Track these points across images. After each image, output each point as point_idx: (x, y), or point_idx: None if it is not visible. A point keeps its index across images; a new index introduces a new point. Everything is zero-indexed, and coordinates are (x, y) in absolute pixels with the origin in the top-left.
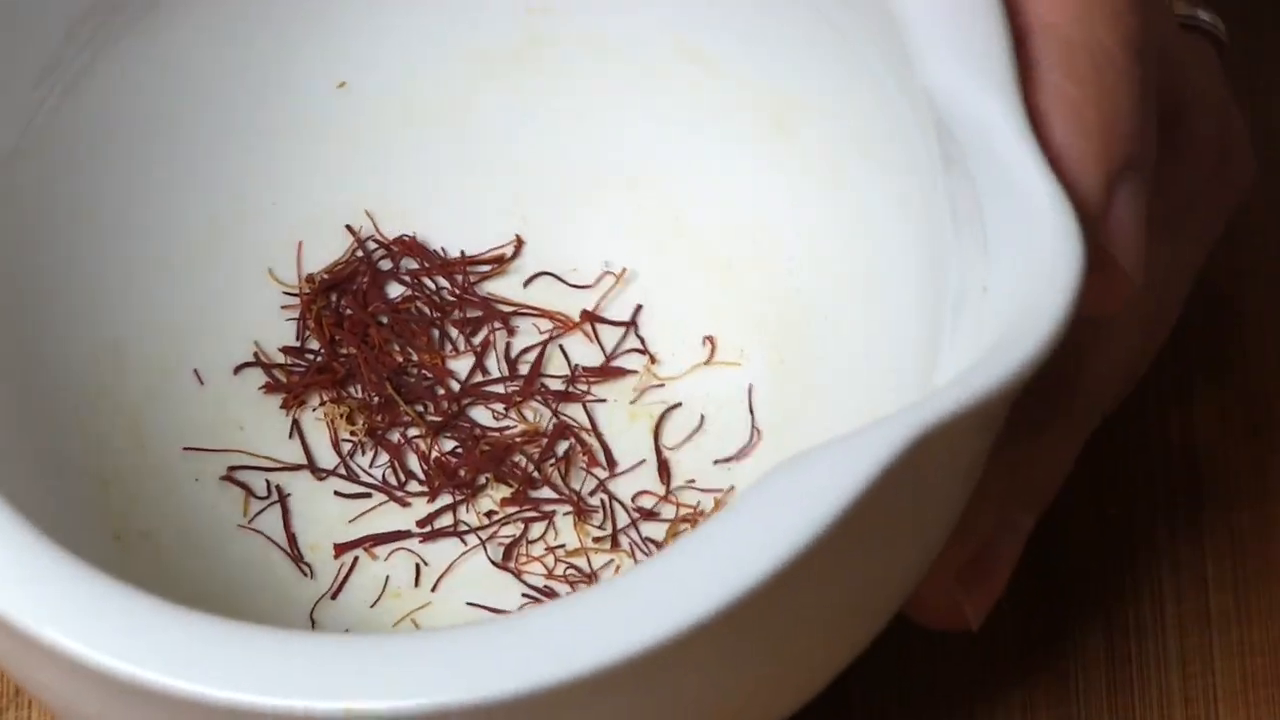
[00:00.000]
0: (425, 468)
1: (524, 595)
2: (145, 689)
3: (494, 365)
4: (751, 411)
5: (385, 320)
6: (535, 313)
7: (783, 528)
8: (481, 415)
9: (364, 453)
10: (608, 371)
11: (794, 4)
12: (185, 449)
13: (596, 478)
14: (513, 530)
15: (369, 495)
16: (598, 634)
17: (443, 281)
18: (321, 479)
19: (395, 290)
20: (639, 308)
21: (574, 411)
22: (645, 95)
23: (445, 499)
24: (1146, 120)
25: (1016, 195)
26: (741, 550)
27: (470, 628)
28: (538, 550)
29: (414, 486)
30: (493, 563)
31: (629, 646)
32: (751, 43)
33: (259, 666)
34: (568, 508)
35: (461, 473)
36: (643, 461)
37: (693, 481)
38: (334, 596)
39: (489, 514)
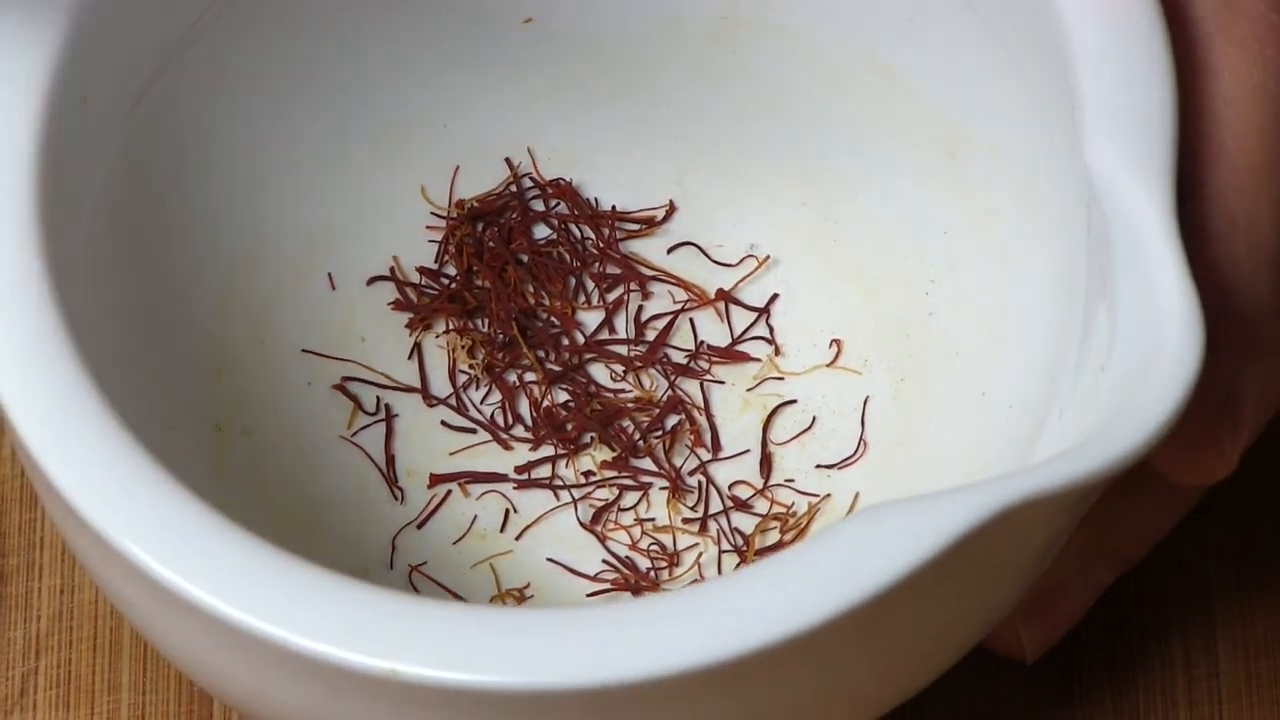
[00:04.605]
0: (534, 415)
1: (604, 561)
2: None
3: (622, 326)
4: (863, 423)
5: (525, 259)
6: (673, 281)
7: (850, 576)
8: (600, 374)
9: (477, 388)
10: (731, 354)
11: (982, 43)
12: (303, 350)
13: (699, 458)
14: (606, 494)
15: (474, 432)
16: (644, 647)
17: (589, 233)
18: (431, 406)
19: (540, 233)
20: (774, 296)
21: (690, 388)
22: (828, 97)
23: (547, 450)
24: None
25: (1150, 287)
26: (809, 590)
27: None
28: (627, 520)
29: (519, 432)
30: (580, 523)
31: (697, 658)
32: (939, 72)
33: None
34: (664, 483)
35: (568, 427)
36: (746, 451)
37: (791, 481)
38: (419, 526)
39: (586, 474)
